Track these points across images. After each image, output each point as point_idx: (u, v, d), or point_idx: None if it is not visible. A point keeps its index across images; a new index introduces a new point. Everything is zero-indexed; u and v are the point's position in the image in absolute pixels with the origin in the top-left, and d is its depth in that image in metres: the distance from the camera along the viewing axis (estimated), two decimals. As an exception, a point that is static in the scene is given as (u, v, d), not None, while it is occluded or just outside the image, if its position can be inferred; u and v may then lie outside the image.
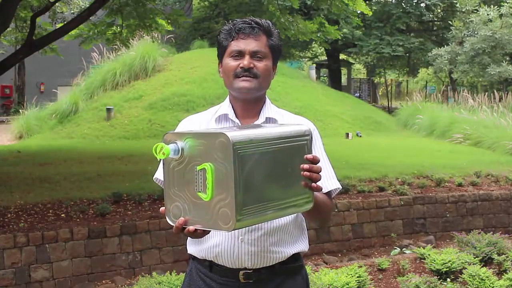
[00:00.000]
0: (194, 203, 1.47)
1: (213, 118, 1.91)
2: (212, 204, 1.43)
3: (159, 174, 1.89)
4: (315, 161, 1.60)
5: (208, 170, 1.42)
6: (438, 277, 4.74)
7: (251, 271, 1.80)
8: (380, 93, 31.13)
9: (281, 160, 1.55)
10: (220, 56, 1.89)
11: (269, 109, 1.91)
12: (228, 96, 1.93)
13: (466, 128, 13.29)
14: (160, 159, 1.58)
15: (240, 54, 1.82)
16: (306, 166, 1.58)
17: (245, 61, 1.80)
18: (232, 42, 1.83)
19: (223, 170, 1.40)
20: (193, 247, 1.89)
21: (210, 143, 1.42)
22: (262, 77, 1.83)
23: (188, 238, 1.92)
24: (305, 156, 1.60)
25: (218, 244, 1.80)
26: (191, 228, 1.50)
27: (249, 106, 1.87)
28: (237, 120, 1.87)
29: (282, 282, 1.83)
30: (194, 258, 1.90)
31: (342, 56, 27.48)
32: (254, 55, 1.82)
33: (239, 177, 1.40)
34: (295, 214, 1.81)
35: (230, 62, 1.83)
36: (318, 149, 1.86)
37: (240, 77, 1.81)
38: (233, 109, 1.90)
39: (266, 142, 1.51)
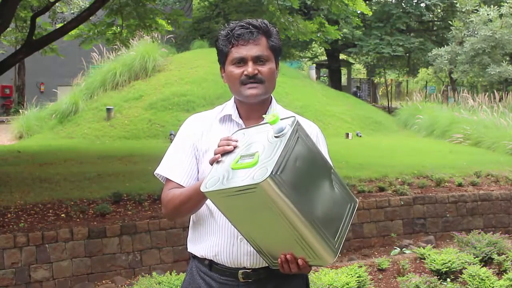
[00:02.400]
0: (237, 153, 1.58)
1: (217, 118, 1.91)
2: (231, 171, 1.52)
3: (162, 170, 1.89)
4: (303, 269, 1.61)
5: (253, 159, 1.50)
6: (438, 277, 4.74)
7: (250, 270, 1.80)
8: (380, 93, 31.13)
9: (281, 228, 1.54)
10: (222, 63, 1.88)
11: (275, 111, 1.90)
12: (233, 97, 1.92)
13: (466, 128, 13.30)
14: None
15: (242, 61, 1.81)
16: (290, 256, 1.59)
17: (249, 69, 1.79)
18: (232, 49, 1.82)
19: (252, 173, 1.46)
20: (193, 246, 1.90)
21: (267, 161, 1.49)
22: (268, 81, 1.82)
23: (189, 236, 1.93)
24: (302, 259, 1.59)
25: (217, 244, 1.81)
26: (219, 152, 1.60)
27: (254, 108, 1.87)
28: (241, 121, 1.86)
29: (281, 282, 1.83)
30: (194, 257, 1.91)
31: (342, 56, 27.48)
32: (256, 60, 1.81)
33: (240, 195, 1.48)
34: None
35: (234, 70, 1.82)
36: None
37: (246, 85, 1.80)
38: (238, 110, 1.89)
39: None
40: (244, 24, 1.83)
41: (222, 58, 1.87)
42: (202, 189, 1.54)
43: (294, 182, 1.49)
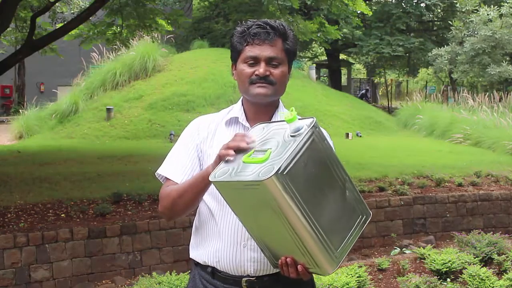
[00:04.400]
0: (252, 147, 1.56)
1: (224, 120, 1.87)
2: (241, 164, 1.50)
3: (163, 170, 1.86)
4: (302, 275, 1.57)
5: (264, 155, 1.48)
6: (438, 277, 4.74)
7: (254, 278, 1.76)
8: (380, 93, 31.14)
9: (283, 231, 1.51)
10: (234, 60, 1.84)
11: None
12: (241, 98, 1.89)
13: (466, 128, 13.29)
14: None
15: (255, 61, 1.77)
16: (290, 260, 1.56)
17: (261, 69, 1.76)
18: (246, 47, 1.78)
19: (259, 170, 1.44)
20: (195, 251, 1.87)
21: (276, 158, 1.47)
22: (278, 84, 1.79)
23: (191, 242, 1.90)
24: (300, 265, 1.56)
25: (219, 249, 1.77)
26: (229, 151, 1.56)
27: (261, 110, 1.83)
28: (247, 124, 1.82)
29: None
30: (197, 264, 1.87)
31: (342, 56, 27.50)
32: (269, 61, 1.77)
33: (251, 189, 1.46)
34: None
35: (245, 69, 1.78)
36: None
37: (255, 84, 1.77)
38: (245, 112, 1.86)
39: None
40: (262, 24, 1.79)
41: (235, 55, 1.83)
42: (211, 178, 1.52)
43: (301, 184, 1.44)
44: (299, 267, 1.55)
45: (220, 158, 1.57)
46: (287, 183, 1.41)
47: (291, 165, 1.42)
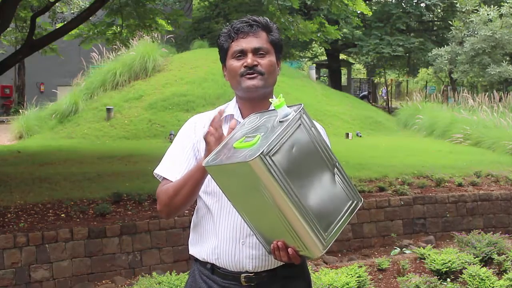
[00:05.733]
0: (244, 134, 1.61)
1: None
2: (232, 149, 1.55)
3: (160, 170, 1.88)
4: (293, 258, 1.59)
5: (253, 140, 1.52)
6: (438, 277, 4.74)
7: (252, 274, 1.79)
8: (380, 93, 31.13)
9: (271, 214, 1.54)
10: (223, 60, 1.88)
11: None
12: (235, 96, 1.92)
13: (466, 128, 13.29)
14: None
15: (242, 53, 1.80)
16: (281, 244, 1.58)
17: (249, 60, 1.79)
18: (232, 43, 1.82)
19: (248, 153, 1.48)
20: (194, 248, 1.89)
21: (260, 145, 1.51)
22: (267, 73, 1.81)
23: (190, 238, 1.92)
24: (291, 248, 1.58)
25: (218, 247, 1.79)
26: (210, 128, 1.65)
27: (255, 106, 1.84)
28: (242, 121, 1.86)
29: (284, 285, 1.82)
30: (196, 260, 1.89)
31: (342, 56, 27.51)
32: (256, 52, 1.80)
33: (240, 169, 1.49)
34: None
35: (234, 63, 1.82)
36: None
37: (245, 76, 1.79)
38: (240, 109, 1.88)
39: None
40: (244, 19, 1.84)
41: (223, 54, 1.87)
42: (204, 163, 1.56)
43: (287, 167, 1.48)
44: (289, 250, 1.57)
45: (206, 142, 1.64)
46: (271, 165, 1.45)
47: (276, 148, 1.47)
